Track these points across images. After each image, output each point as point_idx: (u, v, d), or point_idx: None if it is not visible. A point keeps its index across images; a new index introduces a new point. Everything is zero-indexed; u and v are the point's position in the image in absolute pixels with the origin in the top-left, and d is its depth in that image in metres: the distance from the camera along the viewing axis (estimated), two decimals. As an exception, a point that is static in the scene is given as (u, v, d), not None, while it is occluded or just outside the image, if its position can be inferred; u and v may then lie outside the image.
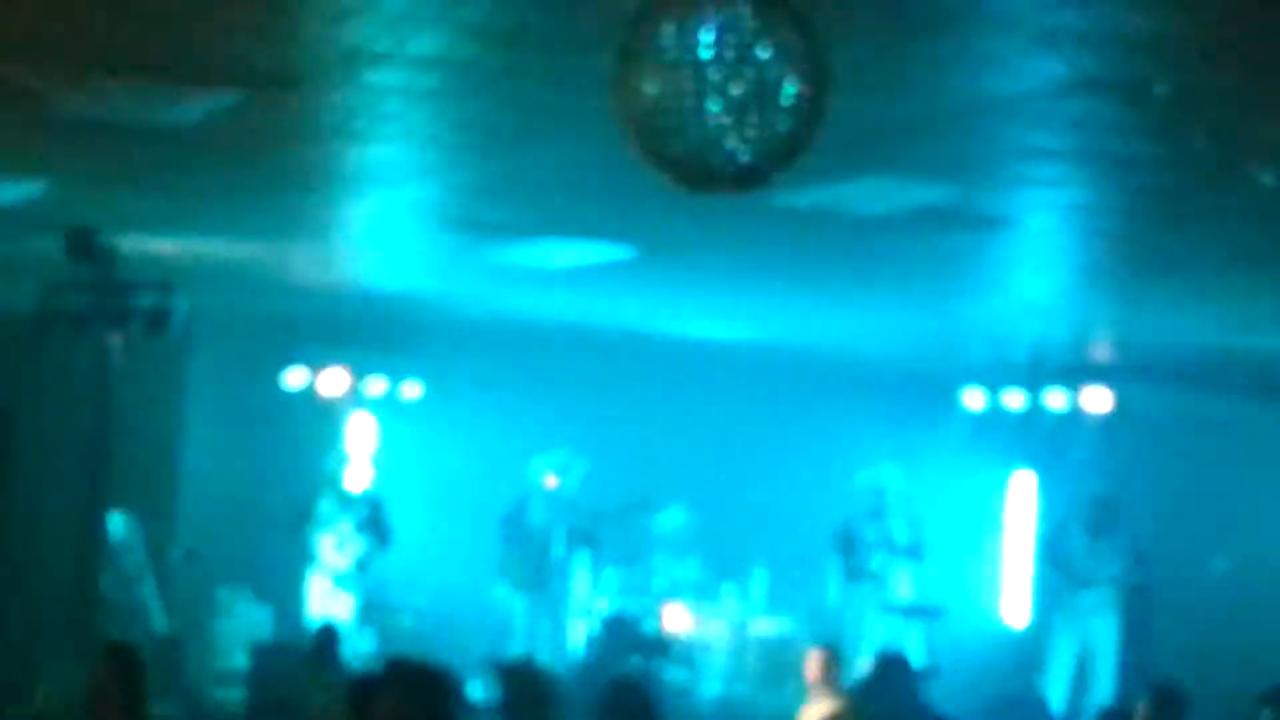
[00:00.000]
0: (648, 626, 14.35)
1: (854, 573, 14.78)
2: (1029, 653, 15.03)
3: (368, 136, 8.41)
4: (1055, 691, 14.11)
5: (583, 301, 14.04)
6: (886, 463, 14.95)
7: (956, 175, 8.80)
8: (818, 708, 9.70)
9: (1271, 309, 11.97)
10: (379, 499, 15.03)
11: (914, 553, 14.82)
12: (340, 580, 14.59)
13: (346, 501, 14.87)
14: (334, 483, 14.93)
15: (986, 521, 15.98)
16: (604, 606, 14.98)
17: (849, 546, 14.80)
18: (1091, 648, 14.28)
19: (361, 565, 14.69)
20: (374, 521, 14.77)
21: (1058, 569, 14.60)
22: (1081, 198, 9.28)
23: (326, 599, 14.52)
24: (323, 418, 15.87)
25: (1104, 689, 13.91)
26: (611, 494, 14.97)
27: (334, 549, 14.60)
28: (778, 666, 14.40)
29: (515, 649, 14.96)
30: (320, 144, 8.65)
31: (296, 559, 14.71)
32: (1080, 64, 6.54)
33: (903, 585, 14.84)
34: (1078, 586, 14.33)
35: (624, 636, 13.09)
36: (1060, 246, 10.97)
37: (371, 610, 14.82)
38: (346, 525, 14.69)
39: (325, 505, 14.71)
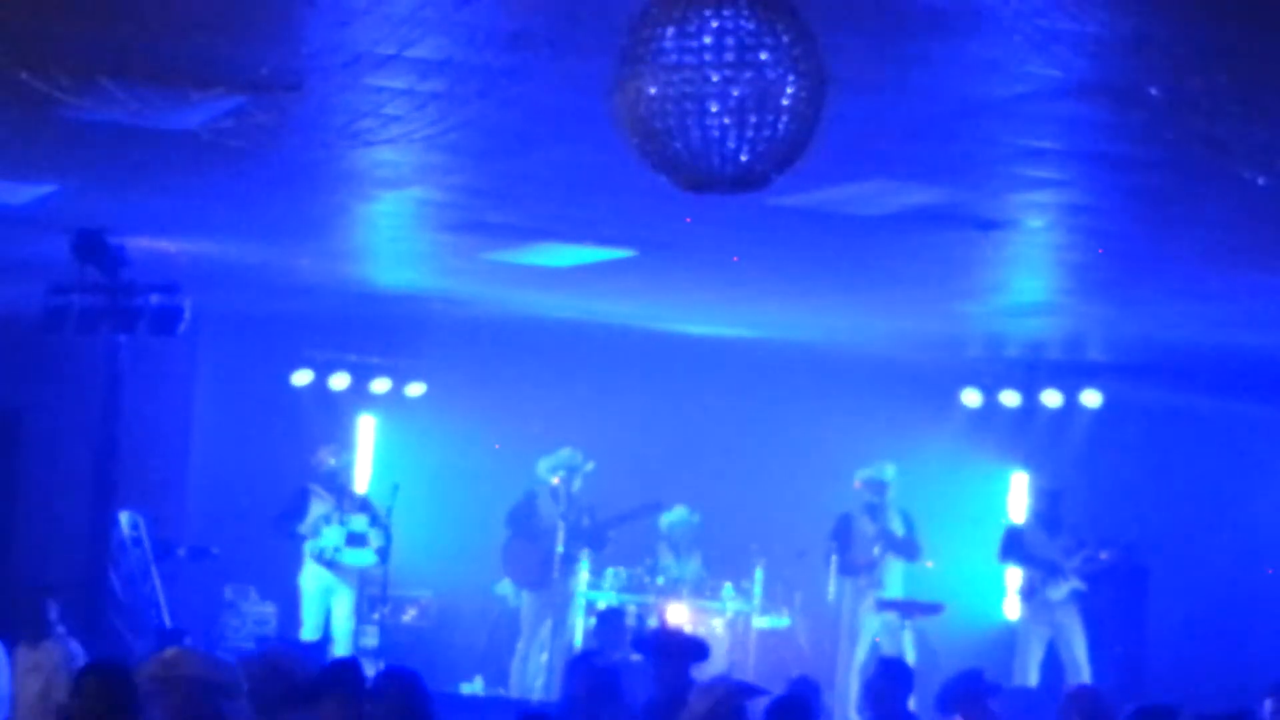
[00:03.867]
0: (648, 624, 14.40)
1: (848, 567, 14.87)
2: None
3: (372, 139, 8.47)
4: (1027, 681, 14.21)
5: (585, 301, 14.09)
6: (887, 462, 15.02)
7: (953, 177, 8.88)
8: None
9: (1264, 308, 12.04)
10: (377, 505, 14.96)
11: (908, 549, 14.90)
12: (339, 578, 14.58)
13: (351, 500, 14.90)
14: (338, 481, 14.93)
15: (984, 519, 16.03)
16: (605, 604, 15.02)
17: (845, 541, 14.89)
18: (1064, 637, 14.40)
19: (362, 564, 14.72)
20: (375, 524, 14.78)
21: (1022, 565, 14.75)
22: (1076, 199, 9.36)
23: (324, 597, 14.56)
24: (328, 417, 15.92)
25: (1078, 676, 14.00)
26: (614, 492, 15.02)
27: (334, 547, 14.61)
28: (777, 663, 14.45)
29: (518, 646, 15.04)
30: (326, 146, 8.70)
31: (301, 557, 14.73)
32: (1075, 68, 6.62)
33: (895, 582, 14.90)
34: (1048, 578, 14.46)
35: (618, 630, 13.09)
36: (1055, 247, 11.04)
37: (375, 608, 14.86)
38: (349, 522, 14.69)
39: (324, 504, 14.71)
